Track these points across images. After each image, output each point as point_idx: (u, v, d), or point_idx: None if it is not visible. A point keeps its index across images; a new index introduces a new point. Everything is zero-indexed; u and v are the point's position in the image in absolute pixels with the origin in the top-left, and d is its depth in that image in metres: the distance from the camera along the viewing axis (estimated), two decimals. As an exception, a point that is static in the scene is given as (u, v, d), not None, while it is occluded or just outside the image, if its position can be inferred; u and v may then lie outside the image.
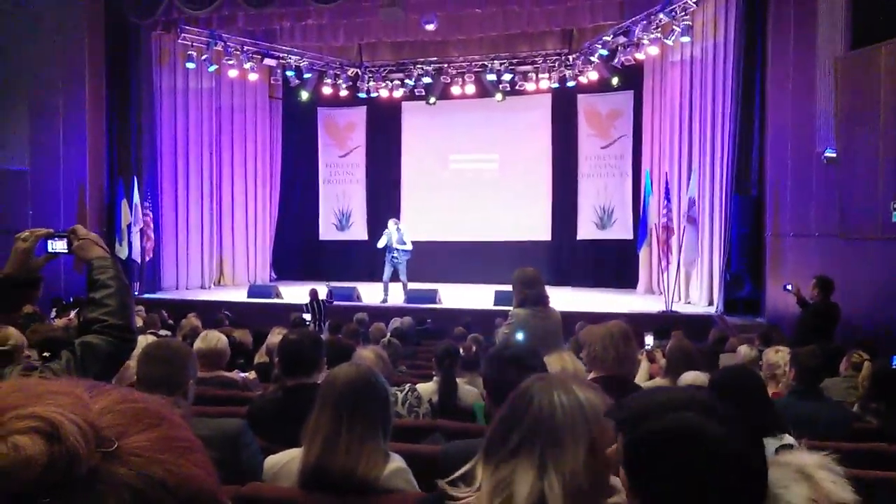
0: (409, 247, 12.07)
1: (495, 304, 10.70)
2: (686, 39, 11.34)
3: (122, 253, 11.86)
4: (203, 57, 13.34)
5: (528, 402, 1.29)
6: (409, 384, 3.80)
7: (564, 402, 1.27)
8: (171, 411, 0.64)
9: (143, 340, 3.47)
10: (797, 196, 9.10)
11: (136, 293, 12.03)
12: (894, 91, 7.23)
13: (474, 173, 15.51)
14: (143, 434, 0.59)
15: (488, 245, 14.86)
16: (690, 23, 11.21)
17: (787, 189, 9.39)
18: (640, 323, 8.22)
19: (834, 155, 8.03)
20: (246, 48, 13.80)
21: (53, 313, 8.14)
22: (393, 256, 11.98)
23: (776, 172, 9.72)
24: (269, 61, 14.26)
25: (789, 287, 7.55)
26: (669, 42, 11.62)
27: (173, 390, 2.36)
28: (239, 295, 12.81)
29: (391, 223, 12.24)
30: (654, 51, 12.19)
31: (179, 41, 13.28)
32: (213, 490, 0.62)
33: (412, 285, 12.26)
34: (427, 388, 3.95)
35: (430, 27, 11.93)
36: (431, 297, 11.84)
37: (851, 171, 7.83)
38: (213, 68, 13.59)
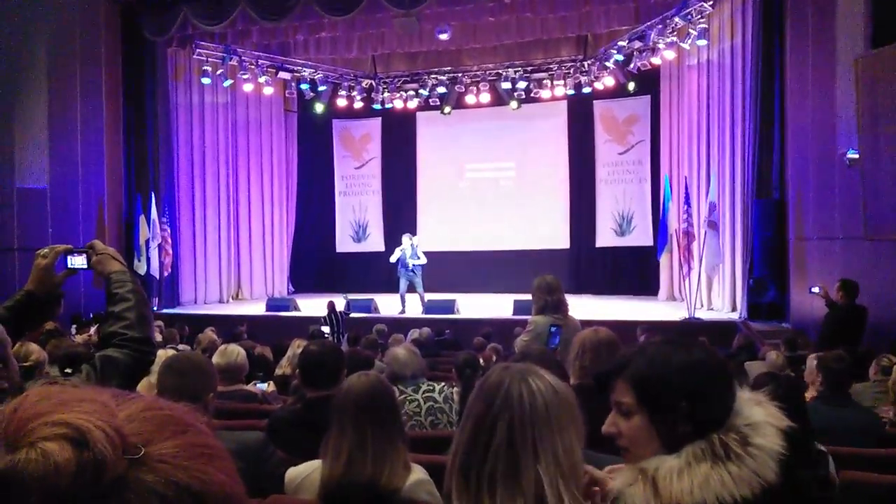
0: (423, 261, 12.08)
1: (514, 314, 10.65)
2: (702, 43, 11.25)
3: (141, 269, 11.93)
4: (218, 72, 13.45)
5: (506, 391, 1.27)
6: (444, 382, 3.77)
7: (541, 387, 1.28)
8: (196, 418, 0.65)
9: (163, 355, 3.46)
10: (820, 198, 8.97)
11: (155, 308, 12.09)
12: (918, 89, 7.10)
13: (491, 182, 15.49)
14: (169, 441, 0.60)
15: (506, 254, 14.81)
16: (706, 26, 11.13)
17: (809, 192, 9.25)
18: (662, 330, 8.15)
19: (857, 156, 7.89)
20: (260, 62, 13.90)
21: (74, 329, 8.18)
22: (408, 270, 11.98)
23: (798, 175, 9.59)
24: (283, 75, 14.34)
25: (816, 289, 7.43)
26: (685, 46, 11.55)
27: (193, 403, 2.34)
28: (257, 308, 12.86)
29: (405, 238, 12.26)
30: (670, 55, 12.11)
31: (194, 57, 13.39)
32: (238, 496, 0.62)
33: (430, 296, 12.24)
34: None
35: (444, 37, 11.94)
36: (450, 307, 11.80)
37: (875, 171, 7.70)
38: (228, 83, 13.69)
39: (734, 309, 10.91)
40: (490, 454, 1.23)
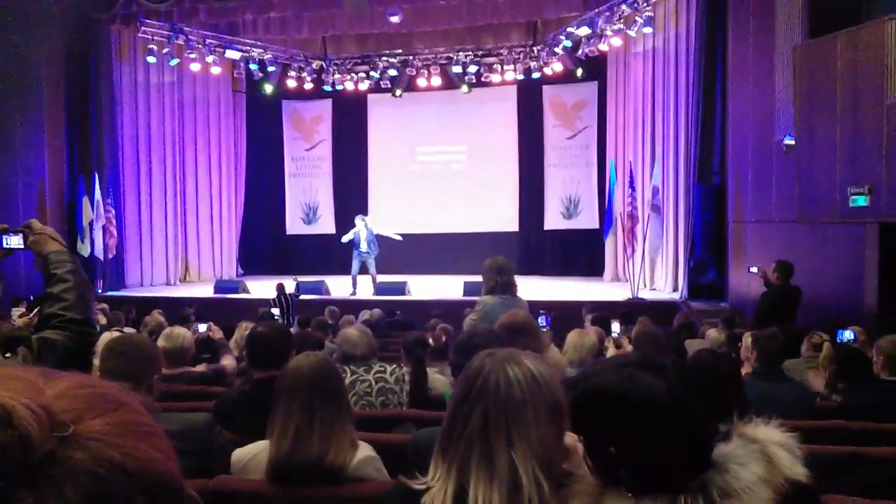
0: (391, 234, 12.16)
1: (464, 295, 10.74)
2: (648, 30, 11.44)
3: (85, 251, 11.65)
4: (164, 51, 13.11)
5: (484, 379, 1.29)
6: (395, 364, 3.81)
7: (519, 375, 1.28)
8: (129, 396, 0.63)
9: (108, 338, 3.42)
10: (758, 183, 9.26)
11: (100, 291, 11.85)
12: (850, 79, 7.38)
13: (442, 165, 15.52)
14: (100, 418, 0.58)
15: (457, 236, 14.90)
16: (652, 14, 11.30)
17: (748, 176, 9.55)
18: (607, 310, 8.34)
19: (793, 142, 8.17)
20: (208, 41, 13.59)
21: (15, 313, 7.96)
22: (361, 252, 11.96)
23: (737, 160, 9.88)
24: (231, 54, 14.06)
25: (754, 269, 7.69)
26: (632, 33, 11.71)
27: (137, 385, 2.33)
28: (205, 291, 12.69)
29: (358, 220, 12.21)
30: (617, 42, 12.27)
31: (139, 35, 13.02)
32: (172, 473, 0.61)
33: (381, 277, 12.25)
34: (397, 378, 3.94)
35: (395, 19, 11.88)
36: (400, 289, 11.84)
37: (810, 157, 7.99)
38: (174, 62, 13.38)
39: (676, 289, 11.22)
40: (464, 439, 1.26)
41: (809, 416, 3.63)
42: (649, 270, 12.06)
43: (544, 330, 5.21)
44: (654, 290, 11.89)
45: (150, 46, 12.96)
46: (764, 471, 1.12)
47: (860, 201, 7.12)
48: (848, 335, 5.17)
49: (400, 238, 12.51)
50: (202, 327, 5.12)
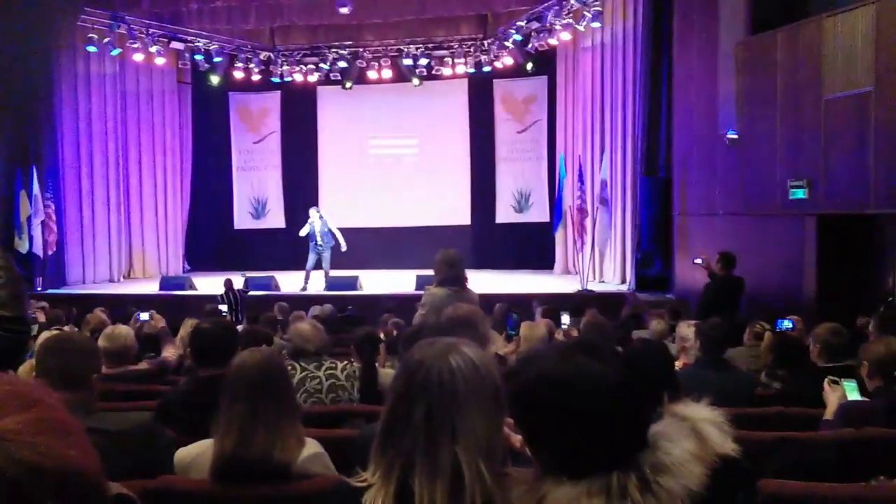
0: (340, 238, 11.89)
1: (417, 289, 10.72)
2: (597, 25, 11.57)
3: (23, 247, 11.29)
4: (105, 40, 12.72)
5: (426, 371, 1.25)
6: (346, 361, 3.77)
7: (461, 364, 1.25)
8: (45, 393, 0.62)
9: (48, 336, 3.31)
10: (703, 176, 9.48)
11: (39, 289, 11.46)
12: (790, 75, 7.61)
13: (393, 158, 15.45)
14: (13, 417, 0.57)
15: (409, 230, 14.86)
16: (600, 8, 11.44)
17: (693, 170, 9.76)
18: (557, 303, 8.44)
19: (736, 136, 8.39)
20: (151, 31, 13.24)
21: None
22: (317, 245, 11.82)
23: (683, 154, 10.08)
24: (176, 45, 13.73)
25: (698, 261, 7.86)
26: (581, 27, 11.83)
27: (76, 384, 2.25)
28: (150, 287, 12.42)
29: (313, 212, 12.06)
30: (566, 36, 12.38)
31: (79, 24, 12.61)
32: (91, 472, 0.59)
33: (333, 272, 12.15)
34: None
35: (345, 10, 11.74)
36: (352, 283, 11.76)
37: (752, 151, 8.22)
38: (116, 52, 12.99)
39: (624, 281, 11.42)
40: (407, 433, 1.22)
41: (750, 403, 3.73)
42: (598, 263, 12.23)
43: (512, 334, 5.23)
44: (603, 282, 12.07)
45: (91, 35, 12.56)
46: (695, 447, 1.14)
47: (799, 194, 7.35)
48: (787, 324, 5.34)
49: (344, 248, 12.17)
50: (144, 315, 5.01)
